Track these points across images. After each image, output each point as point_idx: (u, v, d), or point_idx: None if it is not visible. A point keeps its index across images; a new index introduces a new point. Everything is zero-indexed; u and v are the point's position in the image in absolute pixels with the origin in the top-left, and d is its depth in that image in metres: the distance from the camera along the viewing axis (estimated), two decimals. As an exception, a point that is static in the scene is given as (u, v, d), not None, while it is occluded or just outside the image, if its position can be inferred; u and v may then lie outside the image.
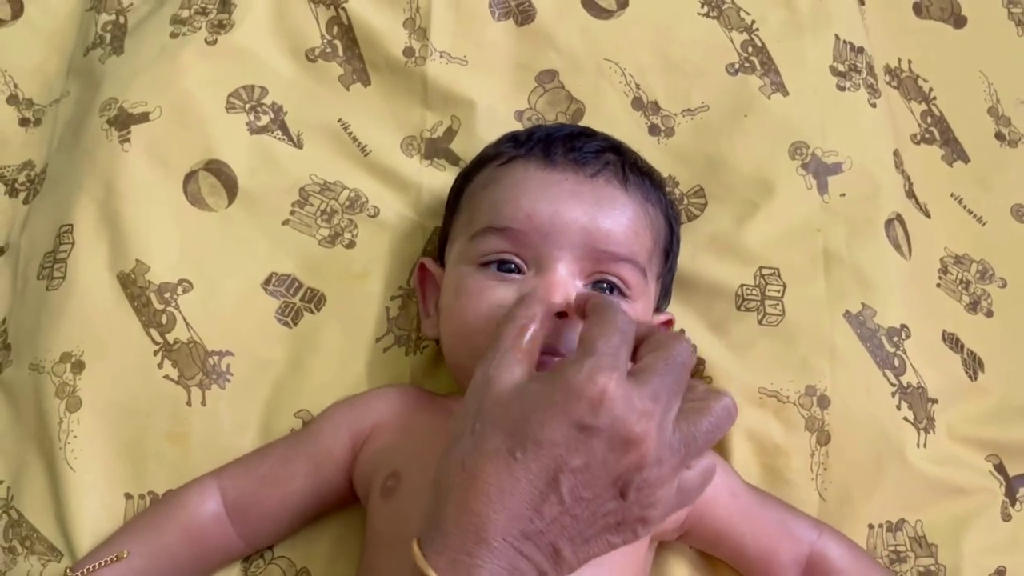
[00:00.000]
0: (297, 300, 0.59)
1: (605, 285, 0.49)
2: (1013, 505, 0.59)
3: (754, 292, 0.58)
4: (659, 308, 0.56)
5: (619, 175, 0.51)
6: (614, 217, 0.49)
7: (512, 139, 0.55)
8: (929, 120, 0.70)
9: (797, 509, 0.54)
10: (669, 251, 0.55)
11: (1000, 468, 0.60)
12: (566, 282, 0.47)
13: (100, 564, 0.49)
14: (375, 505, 0.50)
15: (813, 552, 0.52)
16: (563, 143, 0.51)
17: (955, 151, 0.69)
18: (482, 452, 0.37)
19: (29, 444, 0.56)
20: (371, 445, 0.52)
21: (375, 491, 0.50)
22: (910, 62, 0.72)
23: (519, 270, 0.49)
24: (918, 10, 0.74)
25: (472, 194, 0.53)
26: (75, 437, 0.54)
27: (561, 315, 0.46)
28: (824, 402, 0.56)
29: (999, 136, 0.70)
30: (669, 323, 0.55)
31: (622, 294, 0.49)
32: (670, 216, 0.55)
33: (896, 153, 0.64)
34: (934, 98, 0.71)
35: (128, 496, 0.54)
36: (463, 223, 0.53)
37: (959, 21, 0.74)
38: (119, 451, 0.55)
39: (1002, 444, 0.60)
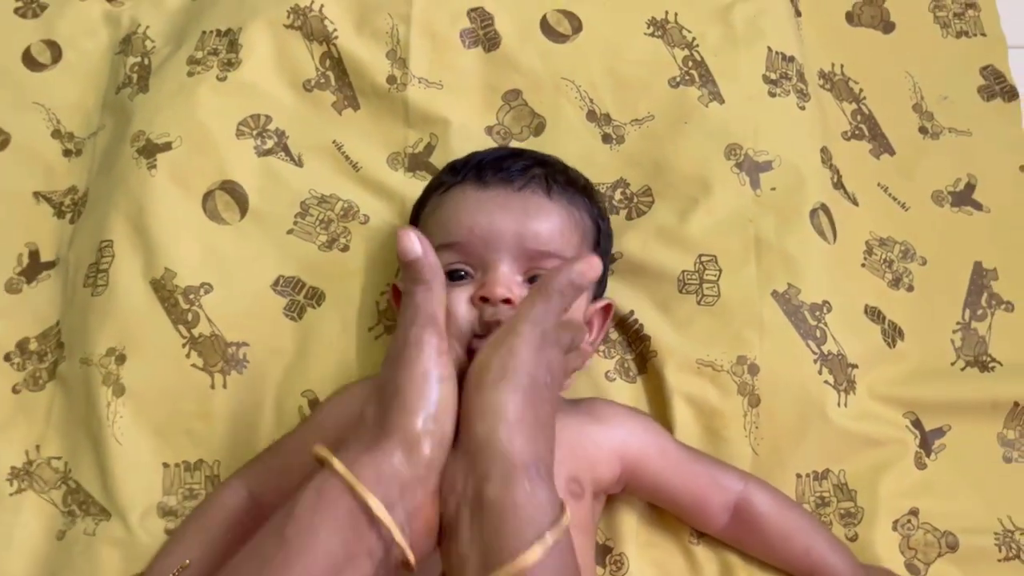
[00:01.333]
0: (301, 298, 0.68)
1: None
2: (928, 456, 0.67)
3: (694, 277, 0.66)
4: (598, 296, 0.64)
5: (543, 185, 0.59)
6: (540, 221, 0.57)
7: (451, 169, 0.63)
8: (859, 118, 0.78)
9: (725, 463, 0.62)
10: (598, 245, 0.63)
11: (917, 424, 0.67)
12: (508, 277, 0.56)
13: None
14: None
15: (740, 499, 0.59)
16: (492, 165, 0.60)
17: (882, 145, 0.77)
18: None
19: (82, 426, 0.65)
20: None
21: None
22: (842, 66, 0.79)
23: (469, 275, 0.58)
24: (850, 18, 0.82)
25: (424, 220, 0.62)
26: (120, 418, 0.64)
27: (506, 301, 0.55)
28: (754, 370, 0.64)
29: (922, 130, 0.78)
30: (607, 308, 0.63)
31: None
32: (596, 216, 0.63)
33: (824, 150, 0.72)
34: (864, 98, 0.79)
35: (165, 465, 0.64)
36: None
37: (888, 27, 0.81)
38: (157, 428, 0.64)
39: (918, 402, 0.67)
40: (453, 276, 0.58)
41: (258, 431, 0.65)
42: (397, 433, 0.42)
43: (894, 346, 0.69)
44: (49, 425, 0.67)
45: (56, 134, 0.78)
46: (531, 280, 0.57)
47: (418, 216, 0.64)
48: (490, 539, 0.41)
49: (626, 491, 0.60)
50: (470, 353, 0.49)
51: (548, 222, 0.58)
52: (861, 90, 0.79)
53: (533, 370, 0.44)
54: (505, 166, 0.60)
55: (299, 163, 0.72)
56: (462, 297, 0.57)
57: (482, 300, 0.56)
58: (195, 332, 0.66)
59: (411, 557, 0.42)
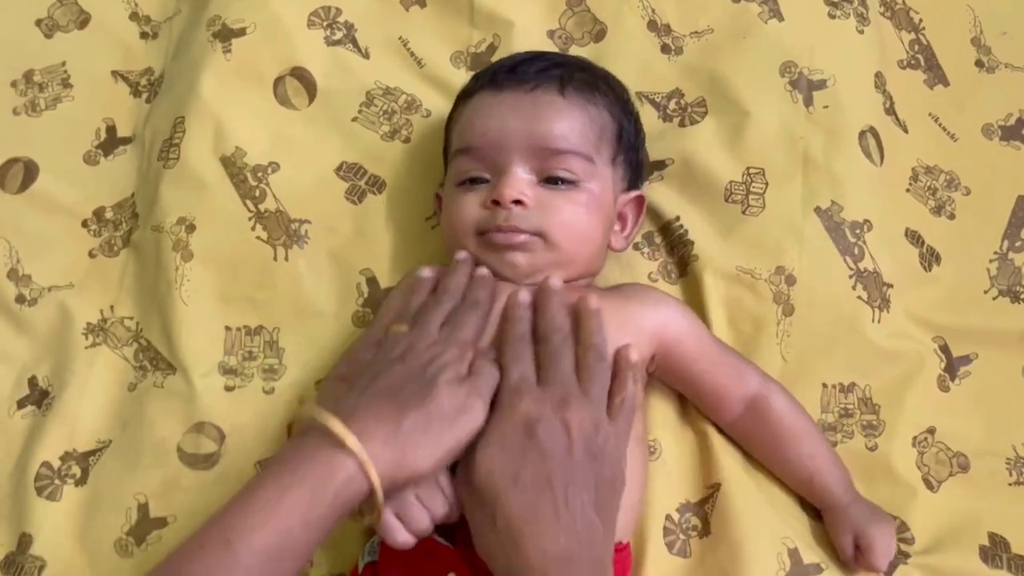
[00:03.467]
0: (363, 183, 0.72)
1: (558, 179, 0.59)
2: (952, 380, 0.69)
3: (740, 188, 0.69)
4: (633, 186, 0.65)
5: (556, 85, 0.60)
6: (551, 120, 0.59)
7: (475, 77, 0.65)
8: (916, 48, 0.78)
9: (752, 362, 0.64)
10: (621, 138, 0.63)
11: (944, 349, 0.69)
12: (519, 179, 0.58)
13: None
14: None
15: (758, 394, 0.61)
16: (507, 70, 0.61)
17: (937, 76, 0.78)
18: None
19: (152, 289, 0.70)
20: None
21: None
22: (904, -6, 0.80)
23: (485, 180, 0.60)
24: (916, -53, 0.81)
25: (450, 128, 0.65)
26: (188, 281, 0.68)
27: (518, 203, 0.58)
28: (791, 280, 0.66)
29: (978, 63, 0.78)
30: (640, 199, 0.65)
31: (571, 183, 0.59)
32: (619, 113, 0.63)
33: (879, 75, 0.73)
34: (923, 28, 0.79)
35: (228, 328, 0.68)
36: (449, 151, 0.65)
37: (953, -41, 0.81)
38: (221, 294, 0.68)
39: (948, 328, 0.69)
40: (472, 182, 0.60)
41: (317, 303, 0.69)
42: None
43: (930, 270, 0.71)
44: (122, 288, 0.71)
45: (134, 16, 0.81)
46: (547, 181, 0.59)
47: (448, 126, 0.66)
48: None
49: (655, 373, 0.63)
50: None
51: (561, 121, 0.59)
52: (921, 20, 0.79)
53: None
54: (520, 70, 0.61)
55: (366, 55, 0.74)
56: (474, 201, 0.60)
57: (494, 203, 0.58)
58: (261, 207, 0.70)
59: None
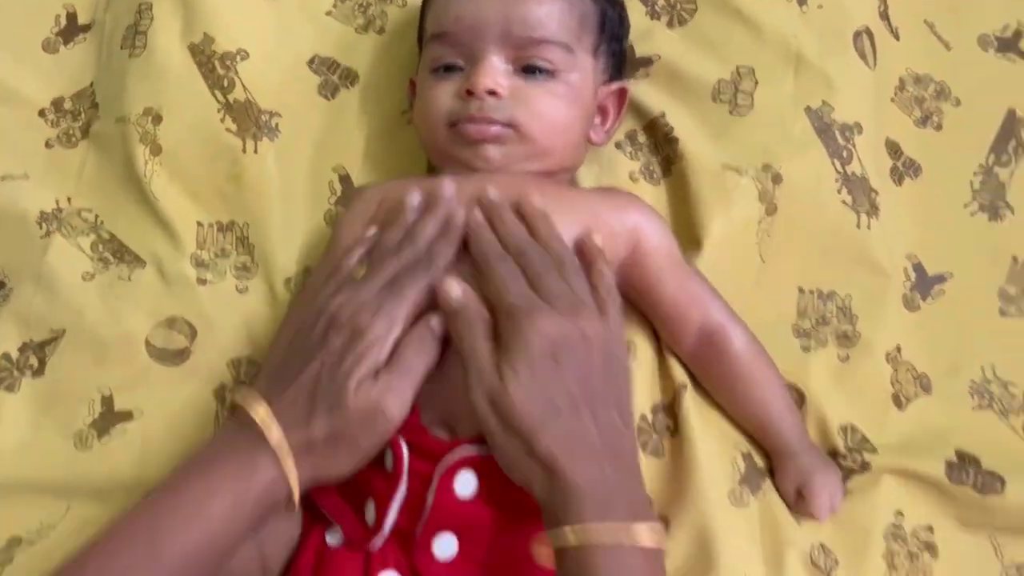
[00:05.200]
0: (336, 78, 0.69)
1: (535, 69, 0.57)
2: (924, 299, 0.68)
3: (729, 86, 0.66)
4: (615, 78, 0.63)
5: None
6: (529, 5, 0.56)
7: None
8: (914, -49, 0.76)
9: (721, 297, 0.61)
10: (603, 27, 0.60)
11: (918, 267, 0.68)
12: (493, 68, 0.56)
13: None
14: None
15: (720, 327, 0.59)
16: None
17: (935, -21, 0.75)
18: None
19: (117, 182, 0.67)
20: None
21: None
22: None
23: (460, 68, 0.57)
24: None
25: (425, 13, 0.62)
26: (157, 176, 0.66)
27: (492, 93, 0.55)
28: (777, 179, 0.64)
29: (980, -32, 0.76)
30: (622, 92, 0.63)
31: (549, 73, 0.57)
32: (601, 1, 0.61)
33: (875, -25, 0.71)
34: (922, -69, 0.76)
35: (199, 224, 0.66)
36: (424, 38, 0.62)
37: None
38: (191, 188, 0.66)
39: (922, 245, 0.68)
40: (446, 70, 0.58)
41: (289, 199, 0.67)
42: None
43: (900, 184, 0.69)
44: (81, 180, 0.69)
45: (95, -102, 0.76)
46: (524, 70, 0.57)
47: (423, 11, 0.63)
48: None
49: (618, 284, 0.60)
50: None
51: (539, 6, 0.56)
52: (920, -77, 0.76)
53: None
54: None
55: (340, -57, 0.71)
56: (448, 90, 0.57)
57: (468, 94, 0.56)
58: (230, 98, 0.67)
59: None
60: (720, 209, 0.64)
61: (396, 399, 0.48)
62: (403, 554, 0.51)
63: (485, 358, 0.48)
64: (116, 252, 0.66)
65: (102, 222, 0.67)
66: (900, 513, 0.61)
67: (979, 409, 0.65)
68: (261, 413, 0.47)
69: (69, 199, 0.68)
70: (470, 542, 0.51)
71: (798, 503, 0.59)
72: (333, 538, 0.53)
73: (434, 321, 0.50)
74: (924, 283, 0.68)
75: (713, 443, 0.60)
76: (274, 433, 0.46)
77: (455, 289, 0.50)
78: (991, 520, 0.61)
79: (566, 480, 0.45)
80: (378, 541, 0.51)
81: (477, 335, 0.49)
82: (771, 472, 0.61)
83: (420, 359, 0.49)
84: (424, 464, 0.51)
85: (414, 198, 0.55)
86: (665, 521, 0.59)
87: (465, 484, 0.50)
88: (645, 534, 0.44)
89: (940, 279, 0.69)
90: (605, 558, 0.43)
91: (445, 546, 0.51)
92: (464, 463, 0.51)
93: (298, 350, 0.50)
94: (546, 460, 0.45)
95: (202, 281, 0.65)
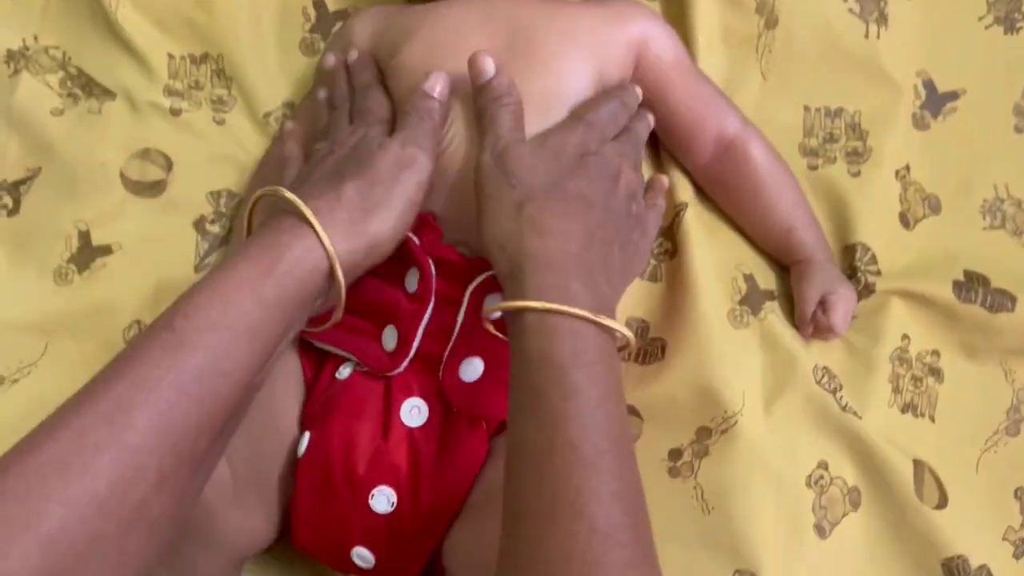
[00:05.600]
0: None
1: None
2: (935, 118, 0.64)
3: None
4: None
5: None
6: None
7: None
8: None
9: (735, 105, 0.58)
10: None
11: (929, 84, 0.64)
12: None
13: None
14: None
15: (737, 136, 0.56)
16: None
17: None
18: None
19: (82, 17, 0.63)
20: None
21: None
22: None
23: None
24: None
25: None
26: (123, 7, 0.62)
27: None
28: (776, -12, 0.60)
29: None
30: None
31: None
32: None
33: None
34: None
35: (171, 56, 0.63)
36: None
37: None
38: (158, 20, 0.63)
39: (933, 60, 0.64)
40: None
41: (260, 27, 0.64)
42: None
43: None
44: (46, 17, 0.65)
45: None
46: None
47: None
48: None
49: None
50: None
51: None
52: None
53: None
54: None
55: None
56: None
57: None
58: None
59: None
60: (720, 28, 0.60)
61: (422, 153, 0.47)
62: (427, 379, 0.50)
63: (506, 126, 0.47)
64: (85, 87, 0.63)
65: (70, 59, 0.64)
66: (906, 337, 0.59)
67: (990, 229, 0.63)
68: (282, 193, 0.43)
69: (36, 37, 0.65)
70: (494, 364, 0.49)
71: (817, 315, 0.56)
72: (344, 376, 0.51)
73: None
74: (935, 101, 0.65)
75: (712, 263, 0.58)
76: (299, 203, 0.42)
77: (488, 62, 0.49)
78: (1000, 342, 0.59)
79: (543, 244, 0.43)
80: (402, 366, 0.49)
81: (503, 107, 0.48)
82: (776, 295, 0.59)
83: (427, 125, 0.49)
84: (449, 285, 0.49)
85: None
86: (663, 343, 0.58)
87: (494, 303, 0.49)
88: (605, 320, 0.41)
89: (952, 96, 0.65)
90: (558, 323, 0.40)
91: (471, 371, 0.49)
92: (494, 286, 0.49)
93: (303, 172, 0.50)
94: (530, 220, 0.43)
95: (176, 112, 0.62)
